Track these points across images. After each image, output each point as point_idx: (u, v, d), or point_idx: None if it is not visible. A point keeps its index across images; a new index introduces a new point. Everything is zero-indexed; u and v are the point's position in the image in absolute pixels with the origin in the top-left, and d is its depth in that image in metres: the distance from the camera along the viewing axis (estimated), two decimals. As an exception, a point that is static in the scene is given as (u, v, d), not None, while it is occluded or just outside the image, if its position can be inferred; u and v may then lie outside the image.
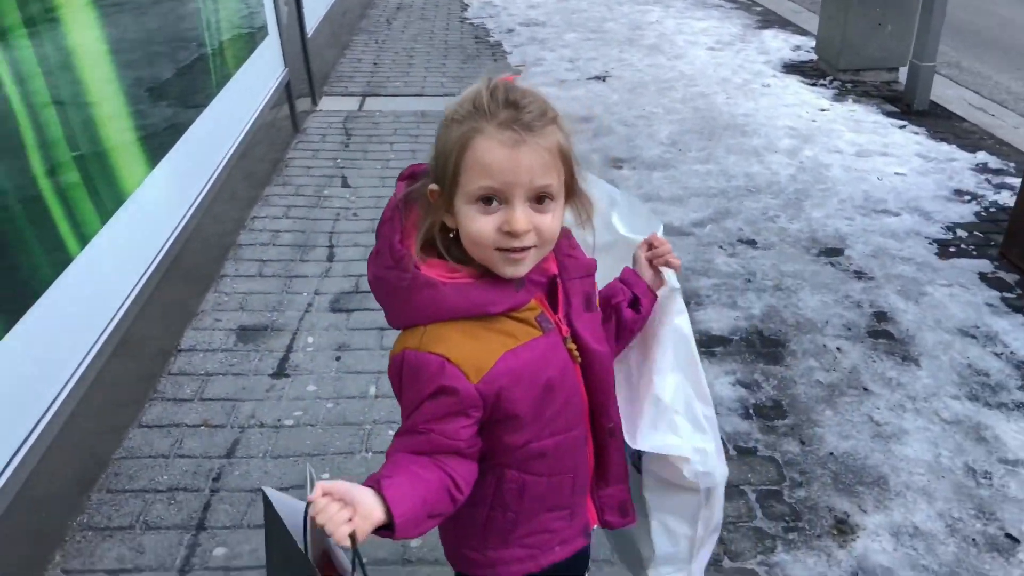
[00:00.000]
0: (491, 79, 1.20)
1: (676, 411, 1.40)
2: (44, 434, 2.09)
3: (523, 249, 1.17)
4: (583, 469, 1.38)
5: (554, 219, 1.20)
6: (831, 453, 2.62)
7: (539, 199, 1.17)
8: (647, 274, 1.49)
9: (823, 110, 5.65)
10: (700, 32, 7.74)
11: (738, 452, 2.61)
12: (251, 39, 4.51)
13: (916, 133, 5.26)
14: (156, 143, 3.12)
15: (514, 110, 1.15)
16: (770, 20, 8.27)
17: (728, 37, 7.56)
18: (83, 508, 2.28)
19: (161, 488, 2.38)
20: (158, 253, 2.92)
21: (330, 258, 3.72)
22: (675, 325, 1.44)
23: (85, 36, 2.64)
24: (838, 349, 3.13)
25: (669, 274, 1.47)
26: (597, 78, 6.39)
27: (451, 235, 1.22)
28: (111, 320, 2.52)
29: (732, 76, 6.39)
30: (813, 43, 6.95)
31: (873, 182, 4.52)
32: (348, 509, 1.04)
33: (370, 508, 1.06)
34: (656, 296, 1.49)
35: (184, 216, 3.21)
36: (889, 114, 5.59)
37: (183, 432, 2.61)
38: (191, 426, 2.64)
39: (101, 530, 2.22)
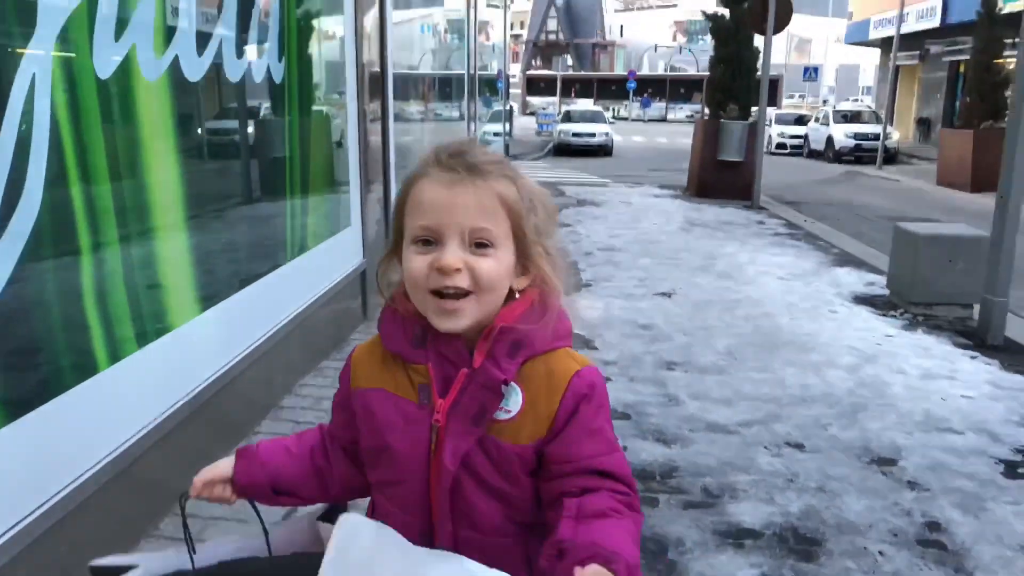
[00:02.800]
0: None
1: None
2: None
3: (456, 296, 1.15)
4: None
5: (496, 265, 1.17)
6: (860, 655, 2.35)
7: (478, 244, 1.16)
8: None
9: (890, 336, 5.56)
10: (773, 265, 7.89)
11: (753, 642, 2.37)
12: (333, 224, 4.88)
13: (988, 364, 5.07)
14: (213, 289, 3.33)
15: (460, 156, 1.18)
16: (846, 260, 8.38)
17: (800, 271, 7.68)
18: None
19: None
20: (186, 395, 3.00)
21: (367, 424, 3.75)
22: None
23: (162, 191, 2.95)
24: (880, 553, 2.88)
25: None
26: (663, 294, 6.53)
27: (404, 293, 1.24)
28: (116, 449, 2.57)
29: (800, 302, 6.42)
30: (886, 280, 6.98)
31: (936, 402, 4.33)
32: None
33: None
34: None
35: (222, 367, 3.31)
36: (961, 345, 5.45)
37: None
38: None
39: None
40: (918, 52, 27.05)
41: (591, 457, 1.18)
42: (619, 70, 56.99)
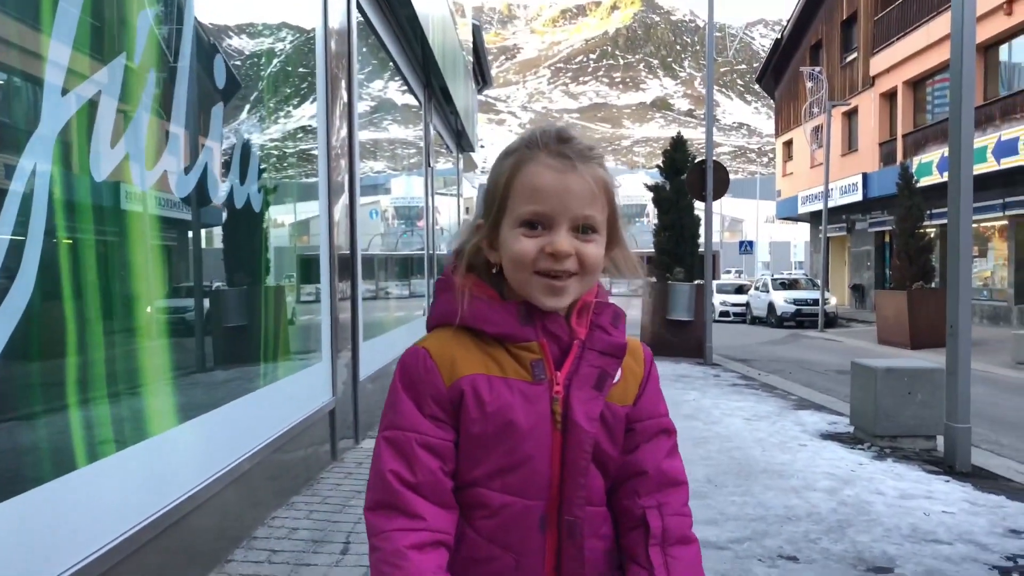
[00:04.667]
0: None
1: None
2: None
3: (564, 276, 1.18)
4: (531, 563, 1.20)
5: (599, 250, 1.21)
6: None
7: (583, 229, 1.19)
8: None
9: (862, 464, 5.56)
10: (736, 409, 7.95)
11: None
12: (304, 357, 4.82)
13: (962, 486, 5.08)
14: (184, 401, 3.21)
15: (564, 142, 1.21)
16: (806, 405, 8.48)
17: (764, 413, 7.74)
18: None
19: None
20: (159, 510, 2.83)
21: (344, 551, 3.56)
22: None
23: (147, 308, 2.94)
24: (896, 650, 2.76)
25: None
26: (633, 434, 6.47)
27: (494, 270, 1.25)
28: (82, 560, 2.39)
29: (768, 437, 6.43)
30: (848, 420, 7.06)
31: (920, 516, 4.29)
32: None
33: None
34: None
35: (185, 493, 3.12)
36: (931, 472, 5.47)
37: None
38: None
39: None
40: (845, 225, 28.73)
41: (663, 415, 1.34)
42: (562, 250, 58.72)
